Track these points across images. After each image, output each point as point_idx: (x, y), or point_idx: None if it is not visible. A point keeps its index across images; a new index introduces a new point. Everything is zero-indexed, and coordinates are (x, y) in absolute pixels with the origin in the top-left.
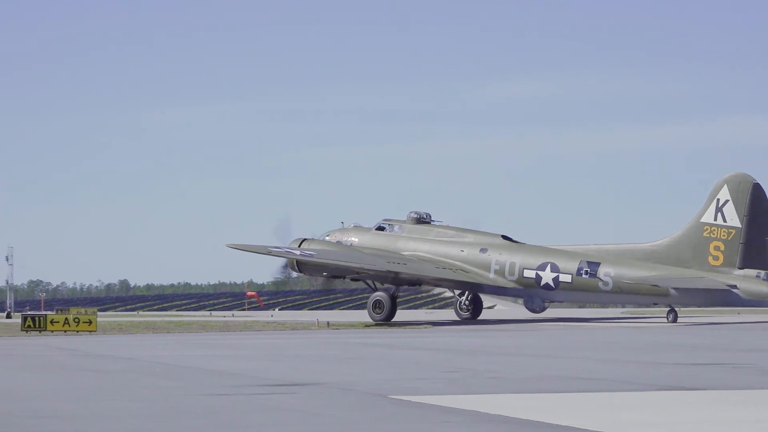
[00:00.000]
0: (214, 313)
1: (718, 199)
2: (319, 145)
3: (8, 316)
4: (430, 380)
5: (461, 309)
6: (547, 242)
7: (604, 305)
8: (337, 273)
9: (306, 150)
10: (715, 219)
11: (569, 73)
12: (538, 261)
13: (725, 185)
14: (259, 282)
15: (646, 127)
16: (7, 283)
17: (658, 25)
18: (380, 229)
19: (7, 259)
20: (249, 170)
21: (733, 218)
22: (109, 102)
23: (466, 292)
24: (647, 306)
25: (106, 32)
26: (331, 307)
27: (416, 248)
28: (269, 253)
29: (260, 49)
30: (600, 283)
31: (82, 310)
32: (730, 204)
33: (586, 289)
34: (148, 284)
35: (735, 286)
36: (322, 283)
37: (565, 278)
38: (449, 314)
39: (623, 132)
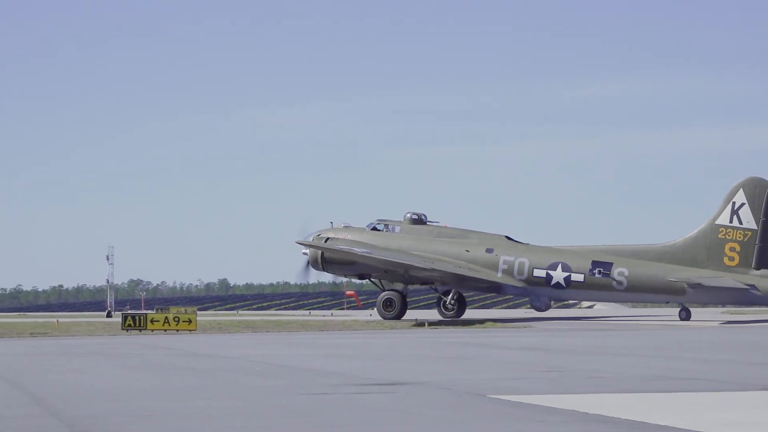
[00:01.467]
0: (313, 312)
1: (734, 202)
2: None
3: (109, 315)
4: (528, 379)
5: (446, 308)
6: (557, 243)
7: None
8: (365, 271)
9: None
10: (731, 221)
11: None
12: (548, 261)
13: (741, 189)
14: (358, 281)
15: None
16: (108, 282)
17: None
18: (374, 229)
19: (108, 259)
20: (351, 169)
21: (749, 221)
22: (213, 102)
23: (452, 291)
24: (659, 304)
25: (217, 33)
26: (426, 308)
27: (421, 248)
28: (323, 248)
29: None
30: (614, 283)
31: (182, 310)
32: (746, 207)
33: (600, 287)
34: (247, 283)
35: (754, 286)
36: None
37: (577, 277)
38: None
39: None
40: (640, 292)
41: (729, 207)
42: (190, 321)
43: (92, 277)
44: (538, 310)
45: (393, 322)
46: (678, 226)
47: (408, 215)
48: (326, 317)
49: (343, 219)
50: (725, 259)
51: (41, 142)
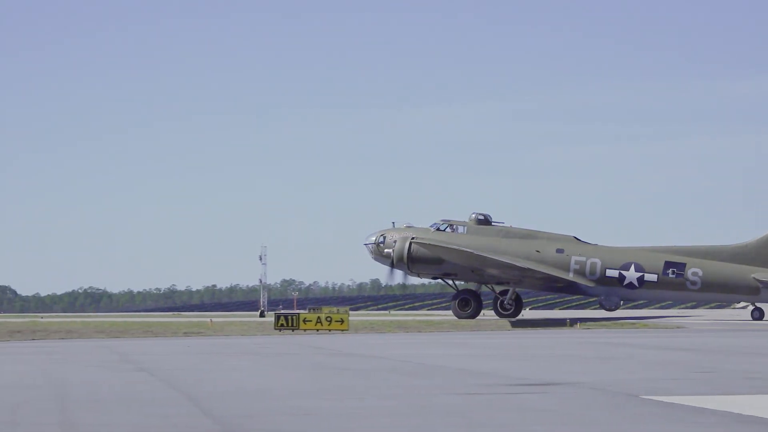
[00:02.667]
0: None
1: None
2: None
3: (262, 315)
4: (682, 380)
5: (503, 308)
6: (629, 243)
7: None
8: (453, 270)
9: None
10: None
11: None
12: (621, 261)
13: None
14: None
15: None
16: (261, 282)
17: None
18: (438, 230)
19: (261, 259)
20: (501, 168)
21: None
22: (362, 102)
23: (510, 290)
24: (730, 304)
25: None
26: (580, 308)
27: (491, 248)
28: (448, 248)
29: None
30: (688, 283)
31: (334, 309)
32: None
33: (674, 287)
34: (400, 283)
35: None
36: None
37: (650, 278)
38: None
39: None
40: (715, 292)
41: None
42: (342, 321)
43: (245, 277)
44: (609, 310)
45: (546, 323)
46: (746, 228)
47: (473, 215)
48: (479, 317)
49: (405, 219)
50: None
51: (195, 143)
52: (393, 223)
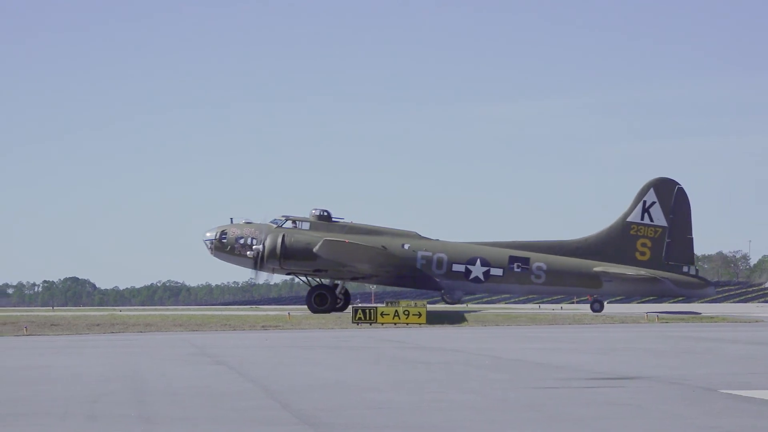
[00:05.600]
0: (542, 306)
1: (645, 201)
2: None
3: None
4: (762, 374)
5: (336, 302)
6: (467, 239)
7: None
8: (326, 266)
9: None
10: (642, 219)
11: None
12: (466, 256)
13: (652, 188)
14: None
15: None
16: None
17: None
18: (279, 226)
19: None
20: (586, 165)
21: (660, 218)
22: (442, 98)
23: (340, 284)
24: (575, 297)
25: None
26: (658, 301)
27: None
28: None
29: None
30: (532, 276)
31: (412, 303)
32: (657, 206)
33: (519, 281)
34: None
35: (668, 279)
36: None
37: (496, 272)
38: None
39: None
40: (558, 285)
41: (640, 205)
42: (419, 314)
43: None
44: (452, 303)
45: (624, 316)
46: (586, 223)
47: (314, 211)
48: (555, 311)
49: (244, 215)
50: (637, 254)
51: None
52: (231, 219)
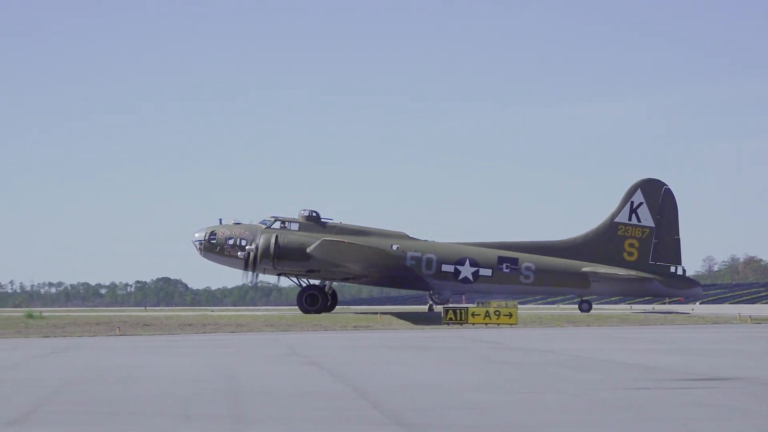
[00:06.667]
0: (634, 306)
1: (632, 202)
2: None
3: (430, 309)
4: None
5: (327, 299)
6: (455, 239)
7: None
8: (318, 267)
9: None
10: (630, 219)
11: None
12: (455, 256)
13: (639, 189)
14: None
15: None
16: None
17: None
18: (268, 227)
19: None
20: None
21: (647, 219)
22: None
23: (328, 284)
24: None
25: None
26: (752, 302)
27: None
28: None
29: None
30: (521, 276)
31: (503, 303)
32: (644, 206)
33: (508, 281)
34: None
35: (655, 279)
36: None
37: (485, 272)
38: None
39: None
40: (547, 285)
41: (628, 206)
42: (510, 315)
43: None
44: (441, 303)
45: (716, 317)
46: (573, 223)
47: (302, 212)
48: (647, 311)
49: (233, 216)
50: (624, 254)
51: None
52: (220, 220)
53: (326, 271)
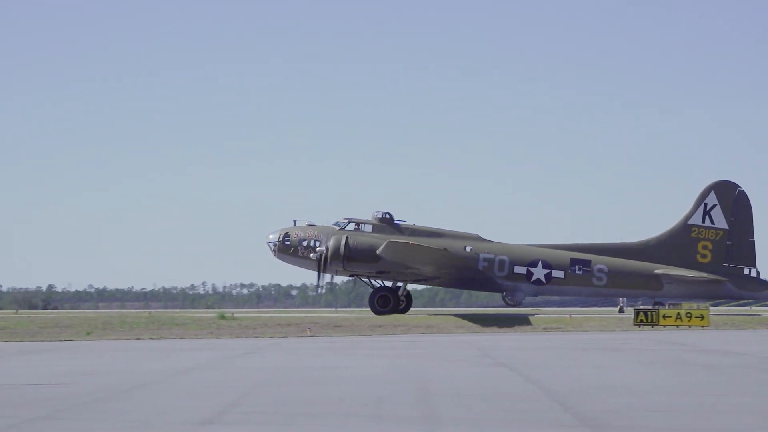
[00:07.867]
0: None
1: (706, 204)
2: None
3: (620, 311)
4: None
5: (398, 303)
6: (524, 241)
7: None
8: (387, 268)
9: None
10: (703, 221)
11: None
12: (528, 258)
13: (712, 191)
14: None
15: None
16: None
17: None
18: (341, 228)
19: None
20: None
21: (720, 221)
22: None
23: (402, 285)
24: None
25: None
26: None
27: None
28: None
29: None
30: (594, 278)
31: (694, 305)
32: (718, 208)
33: (580, 283)
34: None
35: (728, 281)
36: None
37: (557, 274)
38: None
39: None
40: (620, 287)
41: (701, 208)
42: (702, 317)
43: None
44: (514, 305)
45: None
46: (646, 226)
47: (376, 214)
48: None
49: (307, 217)
50: (698, 257)
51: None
52: (294, 221)
53: (396, 272)
